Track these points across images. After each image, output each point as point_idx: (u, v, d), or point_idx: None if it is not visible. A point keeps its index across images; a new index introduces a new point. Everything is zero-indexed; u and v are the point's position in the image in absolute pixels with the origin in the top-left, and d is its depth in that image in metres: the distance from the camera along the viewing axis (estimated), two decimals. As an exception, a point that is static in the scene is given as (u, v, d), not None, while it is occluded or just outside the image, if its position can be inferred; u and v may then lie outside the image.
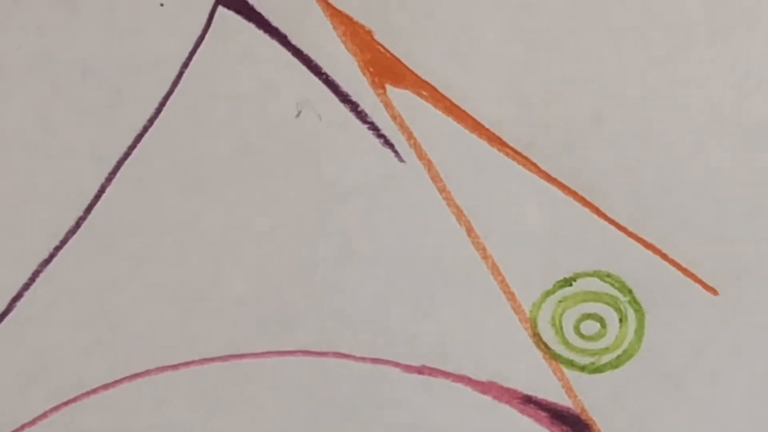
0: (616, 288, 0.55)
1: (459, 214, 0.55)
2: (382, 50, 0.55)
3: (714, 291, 0.55)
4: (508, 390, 0.55)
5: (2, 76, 0.54)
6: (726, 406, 0.56)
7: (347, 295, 0.55)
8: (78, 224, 0.54)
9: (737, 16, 0.55)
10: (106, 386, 0.54)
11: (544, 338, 0.55)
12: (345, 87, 0.55)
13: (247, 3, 0.55)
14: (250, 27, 0.55)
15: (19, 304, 0.54)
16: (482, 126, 0.55)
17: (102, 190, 0.54)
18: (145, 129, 0.55)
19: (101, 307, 0.55)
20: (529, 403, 0.55)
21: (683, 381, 0.56)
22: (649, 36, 0.55)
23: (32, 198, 0.54)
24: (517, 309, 0.55)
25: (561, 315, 0.56)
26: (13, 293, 0.54)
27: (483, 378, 0.55)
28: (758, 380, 0.56)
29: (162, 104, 0.55)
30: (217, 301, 0.55)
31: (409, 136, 0.55)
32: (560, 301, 0.55)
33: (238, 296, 0.55)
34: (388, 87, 0.55)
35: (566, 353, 0.56)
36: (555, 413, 0.55)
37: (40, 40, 0.54)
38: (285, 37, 0.55)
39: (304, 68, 0.55)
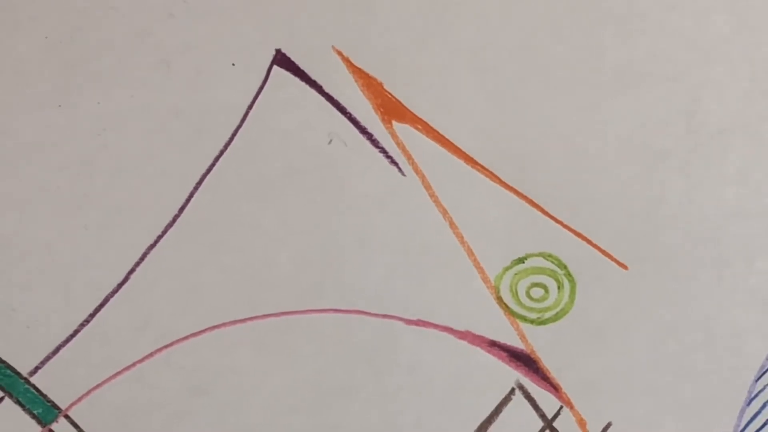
0: (555, 264, 0.62)
1: (444, 212, 0.62)
2: (389, 96, 0.61)
3: (625, 267, 0.62)
4: (478, 337, 0.62)
5: (121, 113, 0.59)
6: (634, 352, 0.62)
7: (364, 269, 0.61)
8: (174, 219, 0.60)
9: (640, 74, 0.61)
10: (195, 334, 0.60)
11: (505, 300, 0.62)
12: (363, 122, 0.61)
13: (294, 63, 0.60)
14: (296, 80, 0.60)
15: (133, 276, 0.60)
16: (460, 150, 0.61)
17: (191, 196, 0.60)
18: (221, 153, 0.60)
19: (190, 279, 0.60)
20: (494, 346, 0.62)
21: (603, 332, 0.62)
22: (576, 88, 0.62)
23: (144, 201, 0.60)
24: (485, 279, 0.62)
25: (516, 284, 0.62)
26: (129, 267, 0.60)
27: (461, 328, 0.62)
28: (659, 333, 0.62)
29: (233, 135, 0.60)
30: (272, 274, 0.60)
31: (409, 157, 0.61)
32: (516, 274, 0.62)
33: (287, 271, 0.60)
34: (393, 122, 0.61)
35: (520, 311, 0.62)
36: (512, 353, 0.62)
37: (146, 90, 0.60)
38: (321, 87, 0.60)
39: (333, 109, 0.60)
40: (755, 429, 0.62)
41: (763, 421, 0.62)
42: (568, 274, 0.62)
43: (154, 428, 0.60)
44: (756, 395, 0.62)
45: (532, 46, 0.61)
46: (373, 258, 0.61)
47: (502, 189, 0.62)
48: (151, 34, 0.60)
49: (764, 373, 0.62)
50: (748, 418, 0.62)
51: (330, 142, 0.61)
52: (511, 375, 0.62)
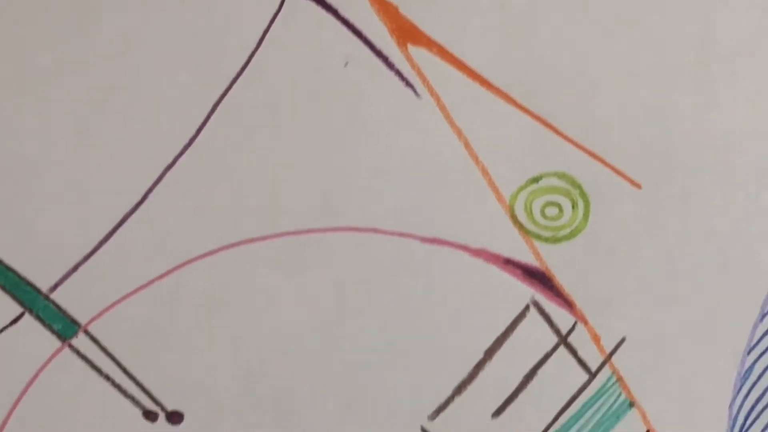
0: (569, 184, 0.62)
1: (459, 133, 0.61)
2: (405, 19, 0.60)
3: (638, 186, 0.62)
4: (494, 255, 0.62)
5: (138, 37, 0.59)
6: (647, 269, 0.62)
7: (380, 189, 0.61)
8: (191, 141, 0.60)
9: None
10: (212, 252, 0.60)
11: (519, 219, 0.62)
12: (379, 46, 0.60)
13: (311, -12, 0.57)
14: (311, 4, 0.60)
15: (150, 195, 0.60)
16: (475, 72, 0.61)
17: (208, 118, 0.60)
18: (238, 76, 0.59)
19: (208, 199, 0.60)
20: (508, 264, 0.62)
21: (617, 250, 0.62)
22: (590, 9, 0.61)
23: (161, 122, 0.60)
24: (500, 199, 0.62)
25: (531, 203, 0.62)
26: (147, 187, 0.60)
27: (476, 246, 0.61)
28: (672, 250, 0.62)
29: (250, 58, 0.60)
30: (288, 194, 0.60)
31: (423, 80, 0.61)
32: (530, 193, 0.62)
33: (303, 191, 0.60)
34: (409, 45, 0.60)
35: (535, 229, 0.62)
36: (527, 271, 0.62)
37: (163, 14, 0.59)
38: (336, 11, 0.60)
39: (350, 33, 0.60)
40: (767, 344, 0.62)
41: (775, 337, 0.60)
42: (582, 194, 0.62)
43: (173, 344, 0.60)
44: (768, 312, 0.60)
45: (548, -32, 0.60)
46: (388, 178, 0.61)
47: (517, 110, 0.61)
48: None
49: (777, 290, 0.60)
50: (761, 334, 0.62)
51: (346, 65, 0.60)
52: (526, 292, 0.62)
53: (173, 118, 0.60)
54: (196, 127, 0.60)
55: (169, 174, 0.60)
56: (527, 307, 0.62)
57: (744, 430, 0.60)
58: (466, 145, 0.61)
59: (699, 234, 0.62)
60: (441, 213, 0.61)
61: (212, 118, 0.60)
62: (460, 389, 0.61)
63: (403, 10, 0.60)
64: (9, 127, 0.60)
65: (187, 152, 0.60)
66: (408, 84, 0.61)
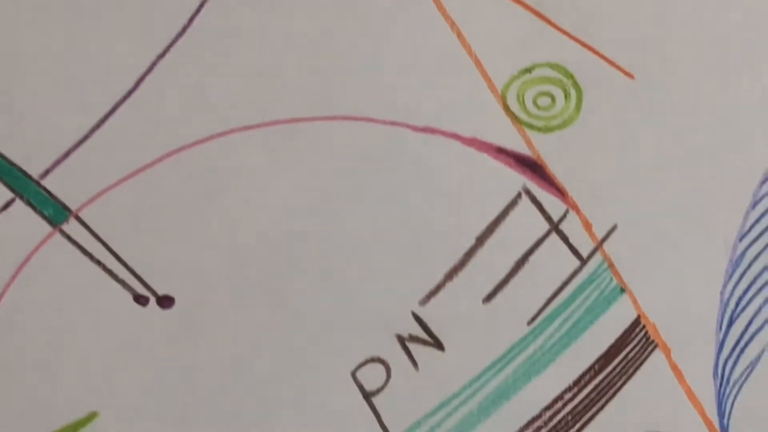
0: (562, 74, 0.62)
1: (452, 23, 0.61)
2: None
3: (631, 76, 0.62)
4: (485, 143, 0.62)
5: None
6: (639, 157, 0.62)
7: (373, 78, 0.60)
8: (184, 29, 0.60)
9: None
10: (204, 140, 0.60)
11: (512, 109, 0.62)
12: None
13: None
14: None
15: (143, 84, 0.60)
16: None
17: (201, 6, 0.60)
18: None
19: (200, 87, 0.60)
20: (500, 152, 0.62)
21: (609, 139, 0.62)
22: None
23: (154, 10, 0.60)
24: (492, 89, 0.62)
25: (524, 92, 0.62)
26: (139, 75, 0.60)
27: (468, 135, 0.62)
28: (664, 139, 0.62)
29: None
30: (281, 82, 0.60)
31: None
32: (523, 83, 0.62)
33: (295, 80, 0.60)
34: None
35: (527, 119, 0.62)
36: (519, 159, 0.62)
37: None
38: None
39: None
40: (759, 231, 0.62)
41: (767, 224, 0.62)
42: (575, 84, 0.62)
43: (165, 229, 0.60)
44: (761, 199, 0.62)
45: None
46: (382, 68, 0.61)
47: (509, 0, 0.61)
48: None
49: (769, 177, 0.59)
50: (753, 221, 0.62)
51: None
52: (518, 180, 0.62)
53: (165, 5, 0.59)
54: (189, 15, 0.60)
55: (161, 62, 0.59)
56: (519, 195, 0.62)
57: (735, 316, 0.59)
58: (459, 35, 0.61)
59: (691, 123, 0.62)
60: (433, 102, 0.61)
61: (205, 6, 0.60)
62: (451, 275, 0.60)
63: None
64: (0, 15, 0.59)
65: (180, 40, 0.60)
66: (403, -20, 0.61)
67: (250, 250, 0.60)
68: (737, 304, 0.61)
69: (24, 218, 0.60)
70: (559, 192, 0.62)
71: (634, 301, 0.60)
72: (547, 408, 0.59)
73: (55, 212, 0.60)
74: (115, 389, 0.58)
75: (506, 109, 0.62)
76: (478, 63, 0.62)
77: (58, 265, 0.60)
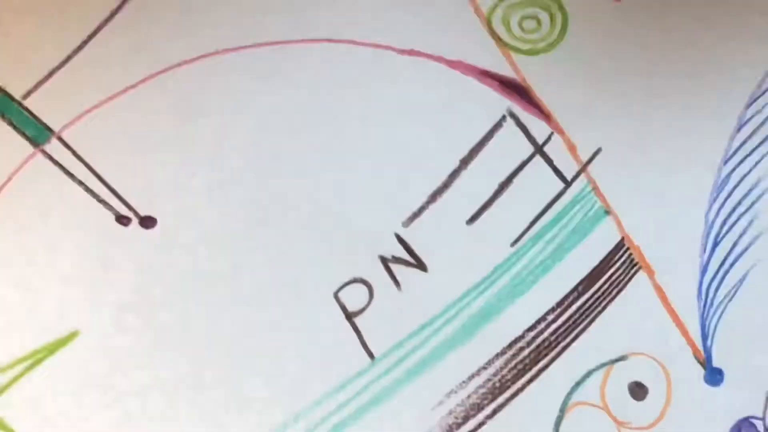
0: None
1: None
2: None
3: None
4: (471, 66, 0.62)
5: None
6: (624, 81, 0.62)
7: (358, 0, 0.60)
8: None
9: None
10: (189, 61, 0.60)
11: (497, 32, 0.62)
12: None
13: None
14: None
15: (126, 5, 0.60)
16: None
17: None
18: None
19: (184, 7, 0.60)
20: (486, 76, 0.62)
21: (594, 62, 0.62)
22: None
23: None
24: (478, 12, 0.62)
25: (509, 16, 0.62)
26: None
27: (453, 58, 0.61)
28: (648, 62, 0.62)
29: None
30: (270, 4, 0.60)
31: None
32: (508, 7, 0.62)
33: (285, 3, 0.60)
34: None
35: (513, 42, 0.62)
36: (504, 82, 0.62)
37: None
38: None
39: None
40: (744, 154, 0.61)
41: (752, 147, 0.61)
42: (561, 7, 0.62)
43: (147, 150, 0.60)
44: (746, 122, 0.61)
45: None
46: (366, -7, 0.58)
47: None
48: None
49: (754, 101, 0.62)
50: (738, 144, 0.62)
51: None
52: (503, 103, 0.62)
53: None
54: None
55: (144, -17, 0.56)
56: (503, 118, 0.61)
57: (719, 238, 0.59)
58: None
59: (676, 47, 0.62)
60: (418, 25, 0.61)
61: (189, -72, 0.56)
62: (434, 196, 0.59)
63: None
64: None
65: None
66: None
67: (233, 171, 0.60)
68: (722, 227, 0.60)
69: (6, 138, 0.59)
70: (544, 115, 0.61)
71: (618, 224, 0.59)
72: (530, 329, 0.59)
73: (36, 132, 0.59)
74: (97, 308, 0.57)
75: (492, 32, 0.62)
76: (462, -14, 0.58)
77: (40, 185, 0.59)
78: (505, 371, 0.57)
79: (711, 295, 0.58)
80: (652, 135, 0.60)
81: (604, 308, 0.58)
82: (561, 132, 0.61)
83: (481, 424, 0.57)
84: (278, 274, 0.59)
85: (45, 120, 0.59)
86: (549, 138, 0.61)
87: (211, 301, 0.58)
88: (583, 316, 0.58)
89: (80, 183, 0.59)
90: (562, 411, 0.57)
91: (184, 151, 0.60)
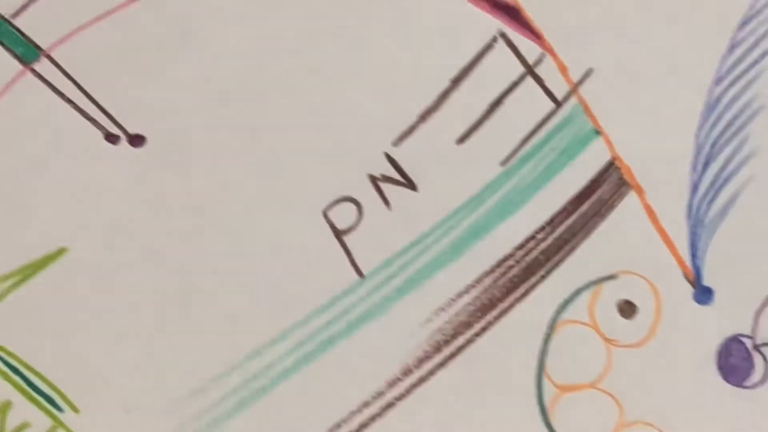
0: None
1: None
2: None
3: None
4: None
5: None
6: (613, 0, 0.61)
7: None
8: None
9: None
10: None
11: None
12: None
13: None
14: None
15: None
16: None
17: None
18: None
19: None
20: None
21: None
22: None
23: None
24: None
25: None
26: None
27: None
28: None
29: None
30: None
31: None
32: None
33: None
34: None
35: None
36: (494, 3, 0.61)
37: None
38: None
39: None
40: (735, 76, 0.61)
41: (743, 69, 0.60)
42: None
43: (137, 70, 0.59)
44: (738, 44, 0.60)
45: None
46: None
47: None
48: None
49: (747, 22, 0.61)
50: (729, 65, 0.61)
51: None
52: (494, 24, 0.61)
53: None
54: None
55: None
56: (494, 39, 0.60)
57: (709, 159, 0.58)
58: None
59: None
60: None
61: None
62: (424, 116, 0.59)
63: None
64: None
65: None
66: None
67: (224, 90, 0.59)
68: (712, 148, 0.59)
69: (-5, 62, 0.56)
70: (535, 35, 0.61)
71: (609, 144, 0.59)
72: (520, 248, 0.58)
73: (26, 51, 0.59)
74: (85, 225, 0.56)
75: (482, -48, 0.58)
76: None
77: (29, 103, 0.59)
78: (493, 289, 0.57)
79: (701, 214, 0.58)
80: (643, 54, 0.60)
81: (593, 227, 0.58)
82: (552, 52, 0.60)
83: (469, 342, 0.57)
84: (267, 193, 0.58)
85: (34, 39, 0.59)
86: (540, 58, 0.60)
87: (200, 220, 0.57)
88: (573, 235, 0.58)
89: (69, 101, 0.58)
90: (551, 329, 0.57)
91: (175, 70, 0.59)
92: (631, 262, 0.58)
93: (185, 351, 0.56)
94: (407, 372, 0.57)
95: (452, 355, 0.57)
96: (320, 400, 0.56)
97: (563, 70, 0.60)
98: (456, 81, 0.60)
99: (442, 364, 0.57)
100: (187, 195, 0.58)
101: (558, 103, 0.59)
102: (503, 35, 0.60)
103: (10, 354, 0.55)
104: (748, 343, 0.57)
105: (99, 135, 0.58)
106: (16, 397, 0.55)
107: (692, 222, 0.58)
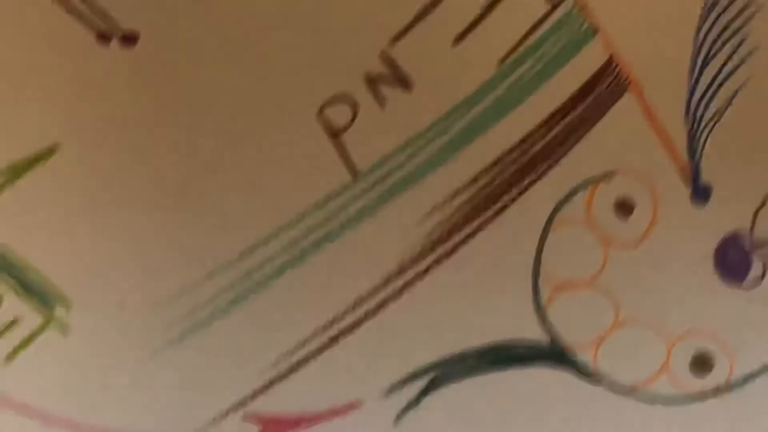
0: None
1: None
2: None
3: None
4: None
5: None
6: None
7: None
8: None
9: None
10: None
11: None
12: None
13: None
14: None
15: None
16: None
17: None
18: None
19: None
20: None
21: None
22: None
23: None
24: None
25: None
26: None
27: None
28: None
29: None
30: None
31: None
32: None
33: None
34: None
35: None
36: None
37: None
38: None
39: None
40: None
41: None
42: None
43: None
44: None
45: None
46: None
47: None
48: None
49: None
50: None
51: None
52: None
53: None
54: None
55: None
56: (491, -62, 0.56)
57: (708, 59, 0.58)
58: None
59: None
60: None
61: None
62: (421, 15, 0.57)
63: None
64: None
65: None
66: None
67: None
68: (710, 48, 0.58)
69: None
70: (533, -67, 0.57)
71: (607, 43, 0.58)
72: (516, 147, 0.57)
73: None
74: (77, 123, 0.56)
75: None
76: None
77: (20, 4, 0.58)
78: (489, 188, 0.57)
79: (699, 113, 0.57)
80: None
81: (590, 127, 0.57)
82: (550, -49, 0.57)
83: (465, 240, 0.56)
84: (261, 92, 0.57)
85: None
86: (537, -41, 0.57)
87: (193, 118, 0.56)
88: (570, 134, 0.57)
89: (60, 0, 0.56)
90: (547, 228, 0.56)
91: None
92: (629, 161, 0.57)
93: (179, 248, 0.55)
94: (403, 269, 0.56)
95: (448, 254, 0.56)
96: (315, 297, 0.56)
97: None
98: (453, -20, 0.57)
99: (437, 262, 0.56)
100: (179, 94, 0.57)
101: (556, 1, 0.57)
102: (501, -68, 0.56)
103: (1, 250, 0.54)
104: (746, 241, 0.56)
105: (91, 34, 0.57)
106: (8, 294, 0.54)
107: (690, 120, 0.57)
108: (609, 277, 0.56)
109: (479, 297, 0.56)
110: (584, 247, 0.56)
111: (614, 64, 0.57)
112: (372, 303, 0.56)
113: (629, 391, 0.57)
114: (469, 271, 0.56)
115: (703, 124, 0.57)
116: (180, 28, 0.57)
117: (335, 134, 0.56)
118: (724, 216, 0.57)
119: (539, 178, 0.57)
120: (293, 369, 0.55)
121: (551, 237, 0.56)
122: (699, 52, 0.57)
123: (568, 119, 0.57)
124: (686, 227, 0.57)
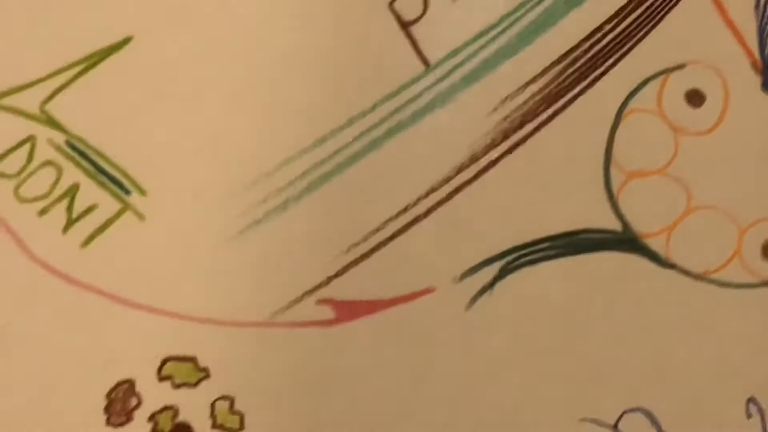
0: None
1: None
2: None
3: None
4: None
5: None
6: None
7: None
8: None
9: None
10: None
11: None
12: None
13: None
14: None
15: None
16: None
17: None
18: None
19: None
20: None
21: None
22: None
23: None
24: None
25: None
26: None
27: None
28: None
29: None
30: None
31: None
32: None
33: None
34: None
35: None
36: None
37: None
38: None
39: None
40: None
41: None
42: None
43: None
44: None
45: None
46: None
47: None
48: None
49: None
50: None
51: None
52: None
53: None
54: None
55: None
56: None
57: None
58: None
59: None
60: None
61: None
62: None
63: None
64: None
65: None
66: None
67: None
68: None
69: None
70: None
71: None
72: (587, 38, 0.58)
73: None
74: (151, 15, 0.56)
75: None
76: None
77: None
78: (561, 79, 0.57)
79: (769, 9, 0.56)
80: None
81: (661, 19, 0.57)
82: None
83: (536, 129, 0.56)
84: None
85: None
86: None
87: (264, 7, 0.58)
88: (640, 26, 0.57)
89: None
90: (618, 117, 0.56)
91: None
92: (699, 53, 0.57)
93: (253, 137, 0.55)
94: (474, 158, 0.56)
95: (519, 143, 0.56)
96: (387, 185, 0.56)
97: None
98: None
99: (509, 152, 0.56)
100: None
101: None
102: None
103: (77, 138, 0.55)
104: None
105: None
106: (85, 181, 0.54)
107: (761, 13, 0.56)
108: (680, 165, 0.56)
109: (551, 185, 0.56)
110: (656, 135, 0.57)
111: (686, -46, 0.56)
112: (444, 191, 0.55)
113: (700, 277, 0.57)
114: (540, 159, 0.56)
115: (773, 18, 0.56)
116: None
117: (407, 25, 0.56)
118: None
119: (610, 68, 0.56)
120: (366, 255, 0.55)
121: (622, 126, 0.56)
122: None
123: (638, 11, 0.56)
124: (757, 116, 0.56)
